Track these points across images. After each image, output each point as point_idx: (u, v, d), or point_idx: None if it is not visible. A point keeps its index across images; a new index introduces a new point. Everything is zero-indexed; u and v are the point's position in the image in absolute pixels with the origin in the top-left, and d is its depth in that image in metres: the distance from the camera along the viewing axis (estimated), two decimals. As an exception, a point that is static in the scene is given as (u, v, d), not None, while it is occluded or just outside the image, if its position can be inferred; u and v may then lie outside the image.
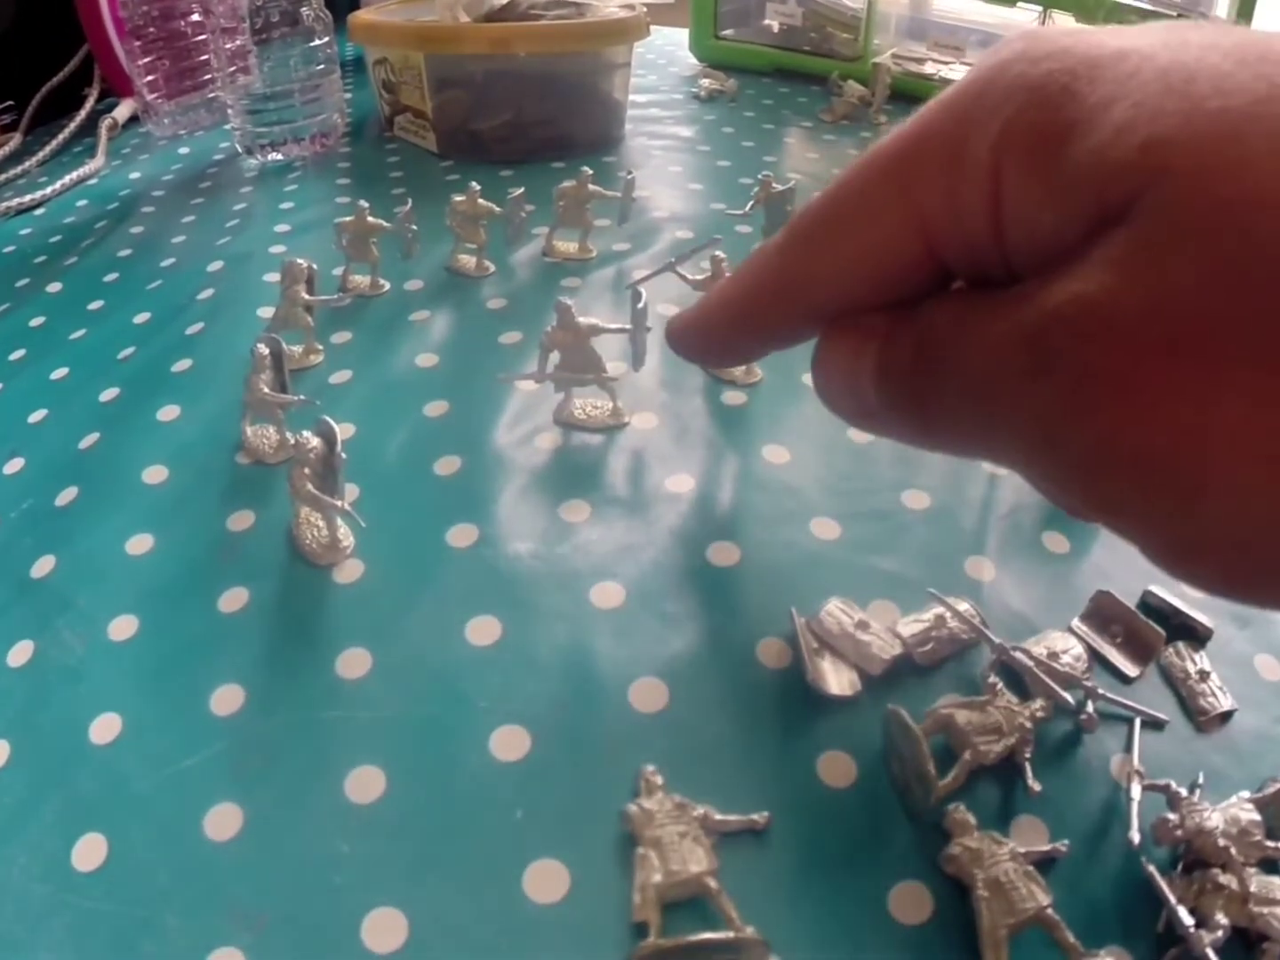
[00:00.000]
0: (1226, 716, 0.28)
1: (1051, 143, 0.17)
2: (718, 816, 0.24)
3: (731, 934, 0.22)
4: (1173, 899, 0.23)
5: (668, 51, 0.98)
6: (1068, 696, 0.27)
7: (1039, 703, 0.27)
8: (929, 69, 0.85)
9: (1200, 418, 0.15)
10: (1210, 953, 0.21)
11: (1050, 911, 0.22)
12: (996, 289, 0.19)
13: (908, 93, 0.82)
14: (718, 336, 0.27)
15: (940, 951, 0.23)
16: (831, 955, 0.22)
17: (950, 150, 0.19)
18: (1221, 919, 0.22)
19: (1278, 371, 0.15)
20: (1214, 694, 0.29)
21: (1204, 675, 0.29)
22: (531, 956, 0.22)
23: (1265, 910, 0.23)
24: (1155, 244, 0.16)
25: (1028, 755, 0.26)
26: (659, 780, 0.25)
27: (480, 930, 0.23)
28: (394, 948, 0.22)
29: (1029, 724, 0.27)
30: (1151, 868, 0.23)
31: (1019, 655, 0.28)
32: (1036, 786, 0.26)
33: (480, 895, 0.23)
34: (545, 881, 0.23)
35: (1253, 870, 0.23)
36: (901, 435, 0.23)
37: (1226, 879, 0.23)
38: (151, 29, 0.75)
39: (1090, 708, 0.27)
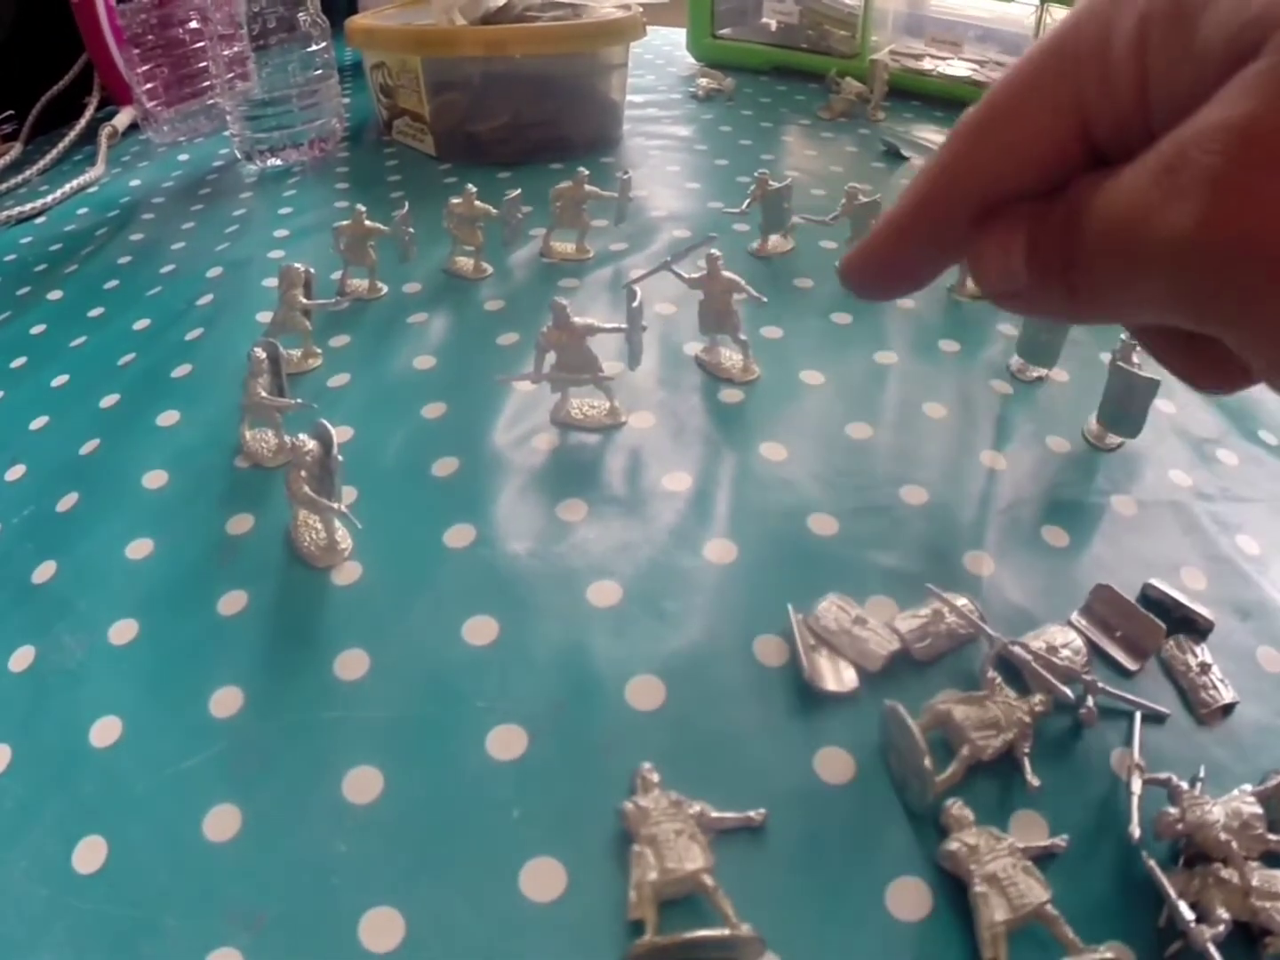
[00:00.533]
0: (1228, 709, 0.28)
1: (1189, 9, 0.19)
2: (714, 814, 0.24)
3: (727, 931, 0.22)
4: (1173, 894, 0.23)
5: (665, 51, 0.98)
6: (1067, 690, 0.27)
7: (1038, 697, 0.27)
8: (926, 65, 0.85)
9: None
10: (1211, 947, 0.21)
11: (1049, 907, 0.22)
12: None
13: (905, 89, 0.82)
14: (891, 257, 0.28)
15: (939, 948, 0.23)
16: (828, 952, 0.22)
17: (1101, 30, 0.21)
18: (1223, 913, 0.22)
19: None
20: (1215, 687, 0.29)
21: (1205, 668, 0.29)
22: (528, 954, 0.22)
23: (1267, 904, 0.23)
24: None
25: (1026, 750, 0.26)
26: (655, 778, 0.25)
27: (477, 929, 0.23)
28: (391, 947, 0.22)
29: (1028, 719, 0.27)
30: (1152, 862, 0.23)
31: (1017, 650, 0.28)
32: (1035, 781, 0.26)
33: (477, 894, 0.23)
34: (542, 880, 0.24)
35: (1254, 864, 0.23)
36: (1051, 308, 0.24)
37: (1228, 873, 0.23)
38: (150, 37, 0.75)
39: (1090, 702, 0.27)
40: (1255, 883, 0.23)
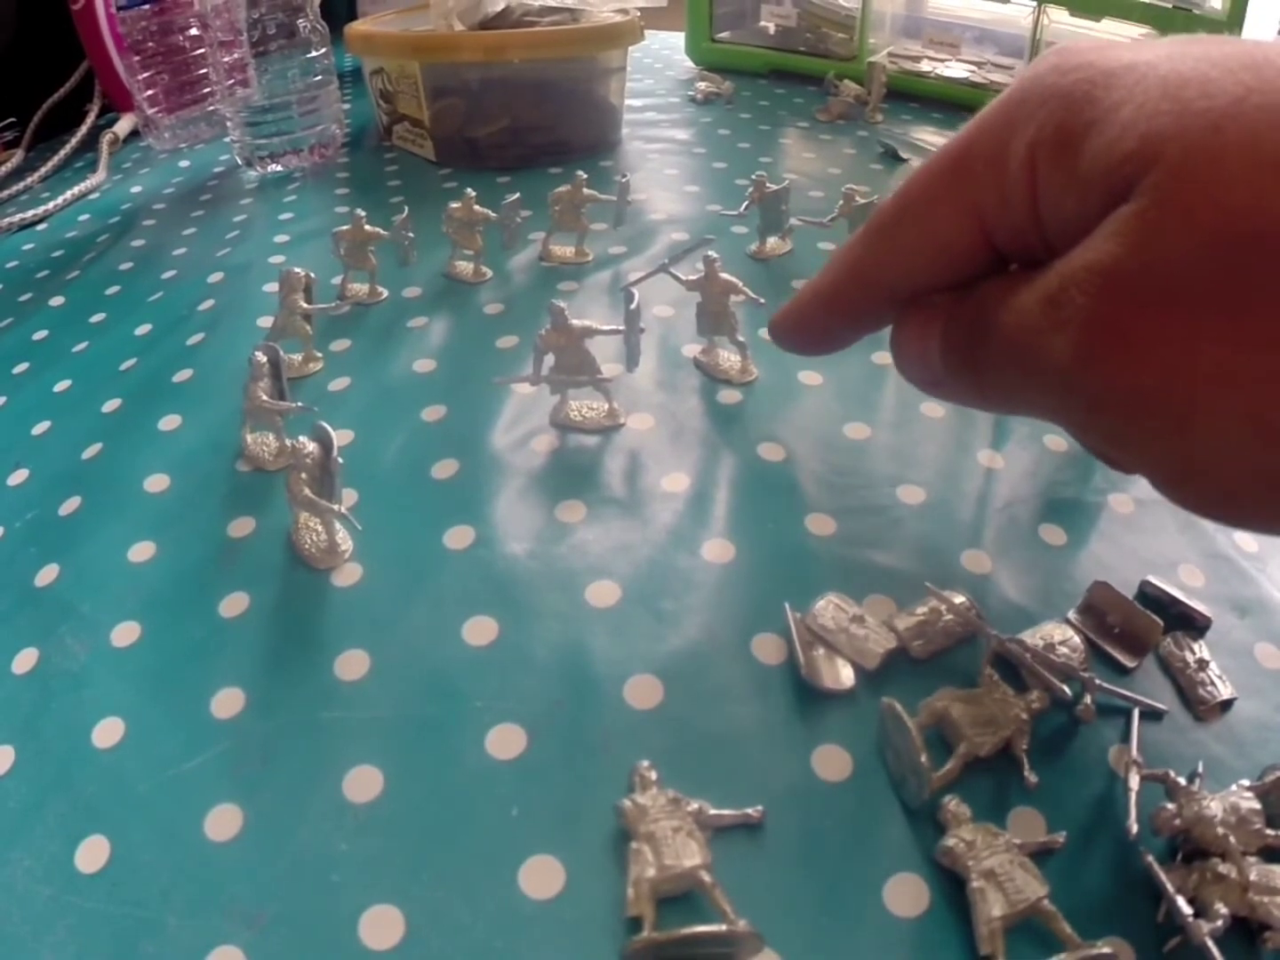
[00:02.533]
0: (1226, 705, 0.28)
1: (1073, 139, 0.21)
2: (712, 811, 0.24)
3: (725, 927, 0.22)
4: (1171, 889, 0.23)
5: (664, 55, 0.98)
6: (1064, 687, 0.27)
7: (1035, 694, 0.27)
8: (924, 66, 0.85)
9: (1185, 358, 0.18)
10: (1209, 942, 0.21)
11: (1047, 903, 0.22)
12: (1037, 268, 0.22)
13: (903, 91, 0.82)
14: (813, 325, 0.30)
15: (937, 944, 0.23)
16: (826, 948, 0.23)
17: (996, 149, 0.23)
18: (1221, 908, 0.22)
19: (1247, 316, 0.18)
20: (1213, 683, 0.29)
21: (1203, 664, 0.29)
22: (527, 952, 0.22)
23: (1266, 899, 0.23)
24: (1150, 217, 0.18)
25: (1024, 747, 0.26)
26: (653, 776, 0.25)
27: (476, 926, 0.23)
28: (391, 944, 0.23)
29: (1025, 715, 0.27)
30: (1150, 858, 0.23)
31: (1014, 647, 0.29)
32: (1033, 778, 0.26)
33: (476, 892, 0.23)
34: (541, 877, 0.24)
35: (1253, 859, 0.23)
36: (965, 399, 0.26)
37: (1226, 868, 0.23)
38: (150, 44, 0.75)
39: (1087, 698, 0.27)
40: (1254, 877, 0.23)
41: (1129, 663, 0.29)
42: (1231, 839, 0.23)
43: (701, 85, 0.83)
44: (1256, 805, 0.24)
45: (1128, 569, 0.32)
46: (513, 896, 0.23)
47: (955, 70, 0.84)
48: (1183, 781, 0.25)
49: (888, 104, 0.79)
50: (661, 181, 0.64)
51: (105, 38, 0.78)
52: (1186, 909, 0.22)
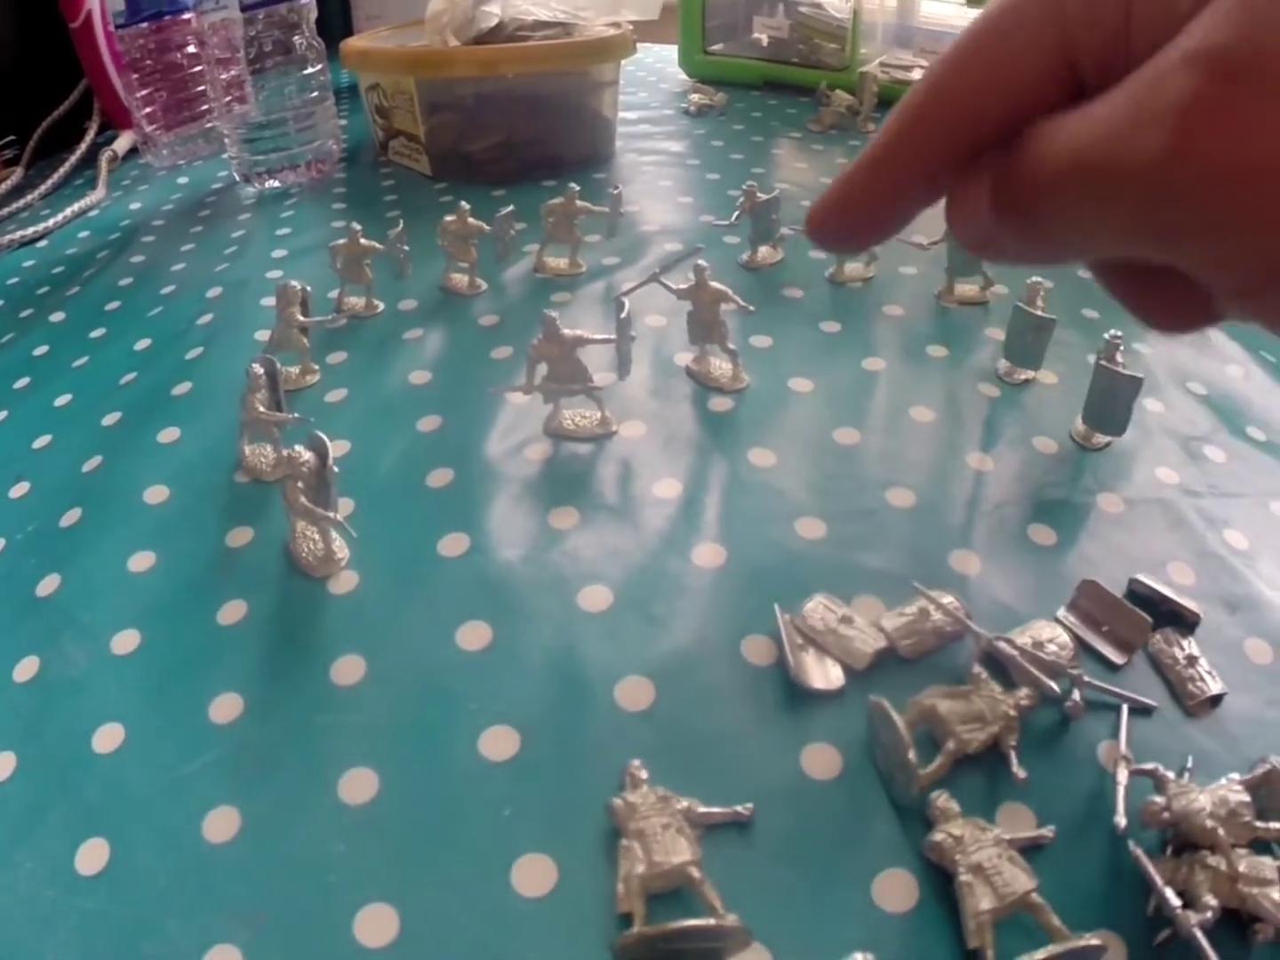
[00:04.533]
0: (1216, 700, 0.28)
1: None
2: (702, 809, 0.25)
3: (713, 921, 0.22)
4: (1159, 881, 0.23)
5: (658, 69, 0.99)
6: (1052, 684, 0.28)
7: (1024, 691, 0.28)
8: (916, 75, 0.86)
9: None
10: (1198, 933, 0.22)
11: (1035, 895, 0.23)
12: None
13: (895, 100, 0.82)
14: (864, 191, 0.26)
15: (926, 939, 0.23)
16: (815, 943, 0.23)
17: None
18: (1210, 900, 0.22)
19: None
20: (1203, 678, 0.29)
21: (1192, 660, 0.30)
22: (520, 948, 0.23)
23: (1255, 890, 0.23)
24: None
25: (1013, 744, 0.27)
26: (644, 775, 0.25)
27: (470, 924, 0.23)
28: (386, 942, 0.23)
29: (1013, 712, 0.27)
30: (1138, 850, 0.24)
31: (1003, 645, 0.29)
32: (1022, 774, 0.26)
33: (470, 890, 0.24)
34: (533, 875, 0.24)
35: (1243, 851, 0.24)
36: (1018, 250, 0.24)
37: (1215, 860, 0.23)
38: (149, 62, 0.76)
39: (1076, 695, 0.28)
40: (1243, 869, 0.23)
41: (1118, 660, 0.30)
42: (1220, 831, 0.24)
43: (695, 97, 0.84)
44: (1246, 798, 0.25)
45: (1117, 568, 0.32)
46: (506, 894, 0.24)
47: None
48: (1171, 776, 0.25)
49: (879, 113, 0.80)
50: (655, 193, 0.65)
51: (104, 56, 0.79)
52: (1175, 900, 0.22)
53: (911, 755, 0.25)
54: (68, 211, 0.70)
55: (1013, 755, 0.26)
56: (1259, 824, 0.24)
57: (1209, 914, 0.22)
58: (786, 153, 0.74)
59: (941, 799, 0.25)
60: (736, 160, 0.71)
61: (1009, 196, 0.23)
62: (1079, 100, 0.22)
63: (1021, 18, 0.23)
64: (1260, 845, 0.24)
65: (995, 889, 0.23)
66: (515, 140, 0.69)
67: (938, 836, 0.24)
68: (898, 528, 0.34)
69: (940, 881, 0.24)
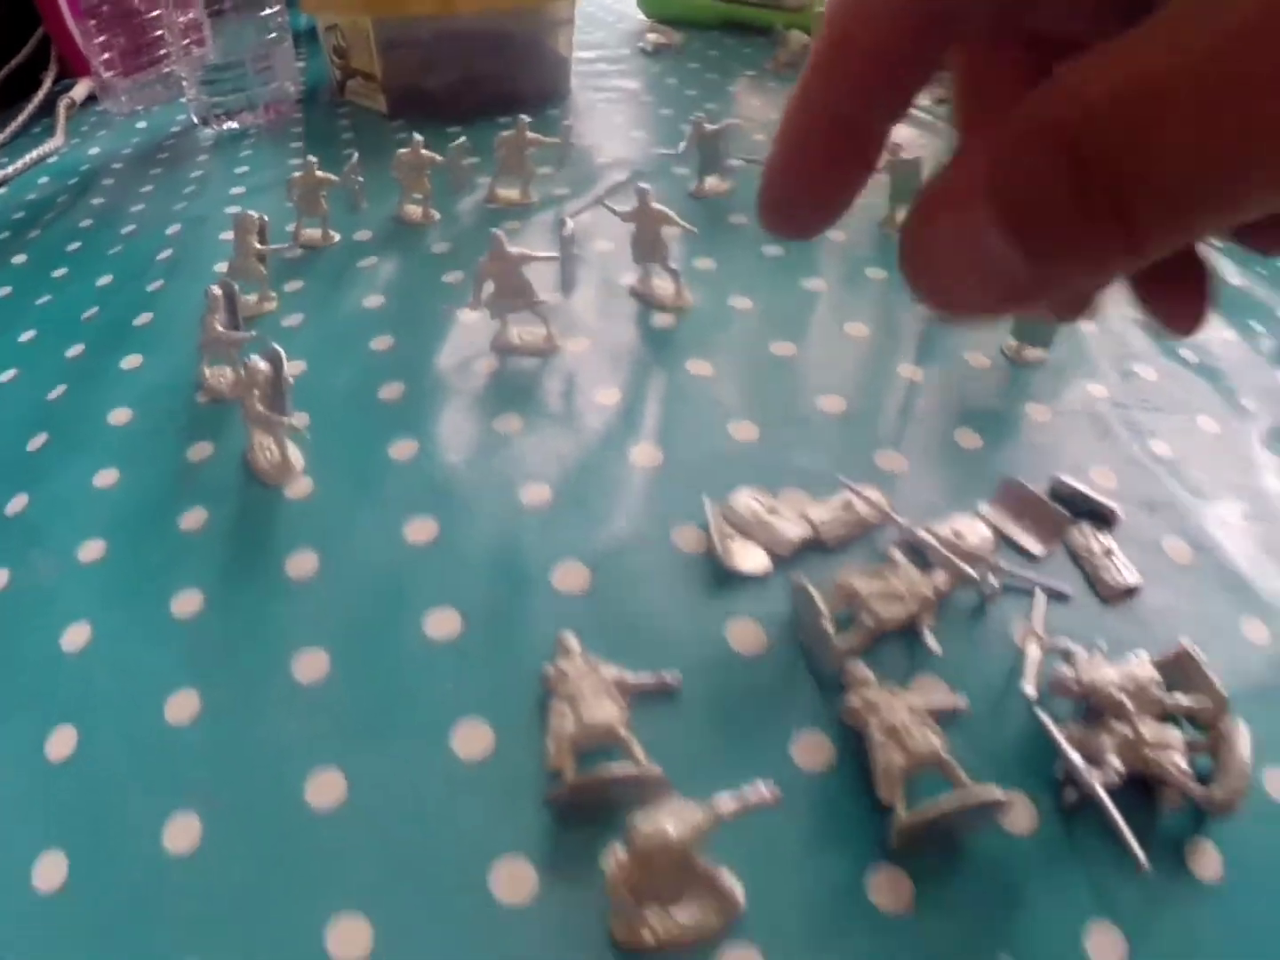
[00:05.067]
0: (1131, 591, 0.30)
1: None
2: (631, 678, 0.26)
3: (636, 769, 0.24)
4: (1063, 740, 0.24)
5: (617, 9, 0.99)
6: (968, 568, 0.29)
7: (941, 575, 0.29)
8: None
9: None
10: (1100, 790, 0.23)
11: (945, 754, 0.24)
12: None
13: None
14: (793, 174, 0.21)
15: (841, 794, 0.25)
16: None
17: None
18: (1114, 760, 0.24)
19: None
20: (1119, 570, 0.30)
21: (1109, 553, 0.31)
22: (460, 806, 0.25)
23: (1160, 754, 0.24)
24: None
25: (929, 623, 0.28)
26: (575, 645, 0.27)
27: (412, 785, 0.25)
28: (333, 803, 0.25)
29: (929, 593, 0.29)
30: (1044, 715, 0.25)
31: (922, 533, 0.31)
32: (936, 648, 0.28)
33: (413, 755, 0.26)
34: (472, 740, 0.26)
35: (1150, 720, 0.25)
36: (1093, 270, 0.16)
37: (1121, 726, 0.25)
38: (106, 7, 0.76)
39: (992, 580, 0.29)
40: (1149, 736, 0.24)
41: (1037, 551, 0.31)
42: (1128, 703, 0.25)
43: (651, 37, 0.84)
44: (1155, 675, 0.26)
45: (1040, 470, 0.34)
46: (447, 759, 0.25)
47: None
48: (1083, 653, 0.27)
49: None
50: (608, 128, 0.66)
51: (61, 3, 0.79)
52: (1078, 760, 0.24)
53: (828, 626, 0.27)
54: (26, 158, 0.70)
55: (928, 633, 0.28)
56: (1167, 698, 0.25)
57: (1113, 775, 0.23)
58: (741, 90, 0.75)
59: (858, 668, 0.26)
60: (690, 96, 0.72)
61: (1046, 207, 0.15)
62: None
63: None
64: (1169, 719, 0.25)
65: (906, 747, 0.24)
66: (472, 77, 0.69)
67: (853, 700, 0.25)
68: (828, 431, 0.36)
69: (855, 744, 0.25)
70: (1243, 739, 0.24)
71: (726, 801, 0.21)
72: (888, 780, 0.24)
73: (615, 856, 0.20)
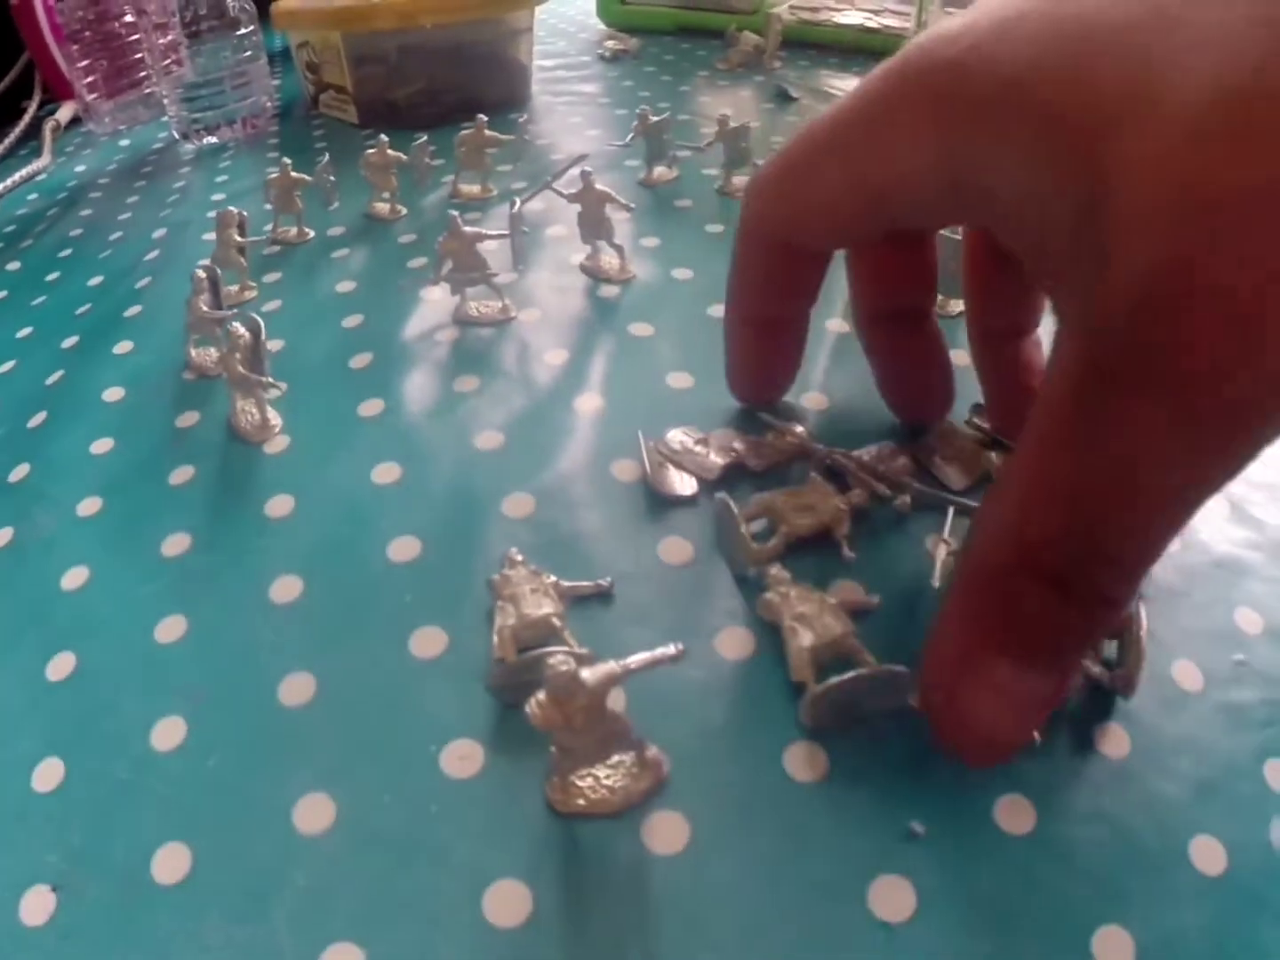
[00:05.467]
0: None
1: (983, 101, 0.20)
2: (567, 583, 0.30)
3: (568, 650, 0.27)
4: None
5: (578, 20, 1.03)
6: (884, 486, 0.32)
7: (856, 491, 0.32)
8: (822, 16, 0.90)
9: None
10: None
11: (852, 639, 0.26)
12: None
13: (801, 39, 0.87)
14: (738, 323, 0.33)
15: (759, 680, 0.27)
16: (659, 683, 0.27)
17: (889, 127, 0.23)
18: None
19: None
20: None
21: None
22: (416, 697, 0.28)
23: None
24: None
25: (843, 532, 0.31)
26: (520, 558, 0.30)
27: (375, 681, 0.28)
28: (305, 700, 0.28)
29: (844, 506, 0.31)
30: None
31: (840, 457, 0.33)
32: (851, 555, 0.30)
33: (376, 656, 0.29)
34: (427, 641, 0.29)
35: None
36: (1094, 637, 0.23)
37: None
38: (88, 33, 0.80)
39: (907, 497, 0.32)
40: None
41: (959, 483, 0.33)
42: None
43: (610, 44, 0.88)
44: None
45: (963, 406, 0.36)
46: (405, 658, 0.29)
47: (851, 17, 0.90)
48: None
49: (787, 52, 0.85)
50: (565, 128, 0.70)
51: (44, 30, 0.83)
52: None
53: (744, 529, 0.30)
54: (15, 177, 0.73)
55: (843, 542, 0.30)
56: None
57: None
58: (693, 90, 0.79)
59: (775, 569, 0.29)
60: (644, 97, 0.75)
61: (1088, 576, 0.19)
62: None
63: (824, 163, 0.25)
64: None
65: (815, 631, 0.26)
66: (436, 87, 0.73)
67: (769, 595, 0.28)
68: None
69: (774, 638, 0.28)
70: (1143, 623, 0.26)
71: (636, 658, 0.24)
72: (798, 661, 0.26)
73: (535, 699, 0.23)
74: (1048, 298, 0.23)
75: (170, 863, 0.24)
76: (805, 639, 0.26)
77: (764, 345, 0.34)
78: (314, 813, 0.25)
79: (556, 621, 0.28)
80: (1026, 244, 0.21)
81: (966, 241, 0.32)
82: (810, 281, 0.32)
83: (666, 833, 0.24)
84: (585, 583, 0.30)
